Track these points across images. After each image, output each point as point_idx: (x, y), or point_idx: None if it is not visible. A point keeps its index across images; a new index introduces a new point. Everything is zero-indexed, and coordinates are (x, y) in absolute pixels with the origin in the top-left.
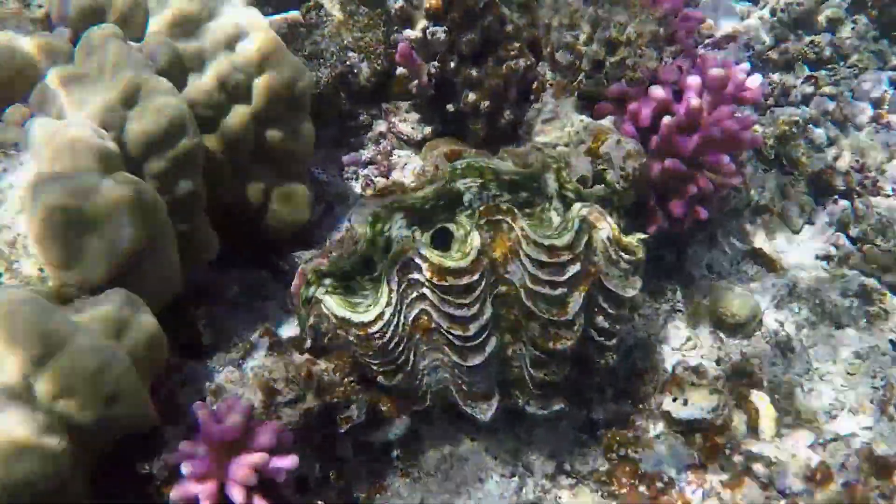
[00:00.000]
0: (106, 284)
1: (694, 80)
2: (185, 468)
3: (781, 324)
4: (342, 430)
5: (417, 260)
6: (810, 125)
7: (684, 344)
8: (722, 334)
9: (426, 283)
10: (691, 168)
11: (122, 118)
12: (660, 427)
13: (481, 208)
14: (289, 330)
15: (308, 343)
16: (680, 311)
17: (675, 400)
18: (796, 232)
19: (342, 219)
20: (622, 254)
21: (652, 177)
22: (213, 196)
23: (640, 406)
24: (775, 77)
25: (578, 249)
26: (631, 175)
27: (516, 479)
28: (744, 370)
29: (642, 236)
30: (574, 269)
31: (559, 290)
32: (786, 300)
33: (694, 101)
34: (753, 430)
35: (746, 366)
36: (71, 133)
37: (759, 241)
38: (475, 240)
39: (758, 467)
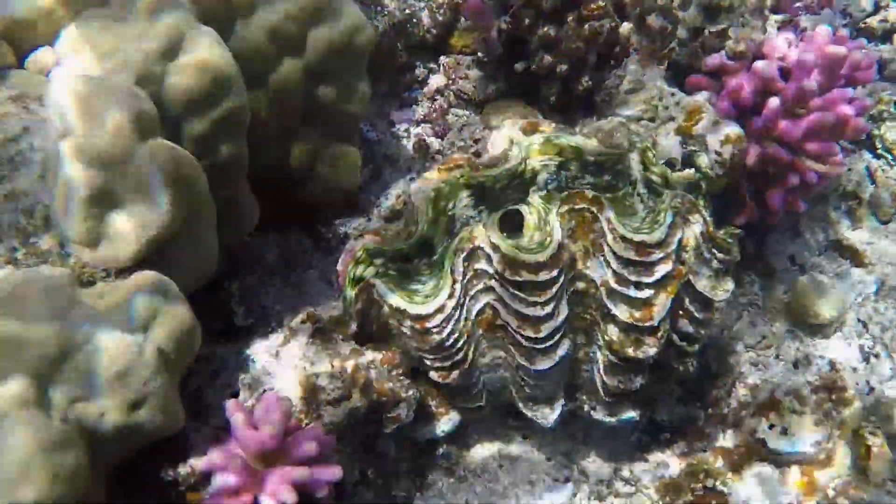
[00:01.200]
0: (135, 266)
1: (807, 58)
2: (217, 482)
3: (865, 325)
4: (388, 430)
5: (487, 249)
6: None
7: (759, 342)
8: (800, 333)
9: (495, 276)
10: (793, 155)
11: (161, 72)
12: (729, 436)
13: (563, 195)
14: (329, 306)
15: (353, 327)
16: (757, 304)
17: (771, 427)
18: (886, 222)
19: (390, 183)
20: (715, 251)
21: (749, 163)
22: (255, 158)
23: (710, 411)
24: (871, 48)
25: (671, 248)
26: (728, 162)
27: (570, 483)
28: (835, 385)
29: (736, 231)
30: (664, 269)
31: (645, 292)
32: (871, 298)
33: (808, 83)
34: (862, 470)
35: (837, 378)
36: (102, 89)
37: (844, 230)
38: (556, 231)
39: None
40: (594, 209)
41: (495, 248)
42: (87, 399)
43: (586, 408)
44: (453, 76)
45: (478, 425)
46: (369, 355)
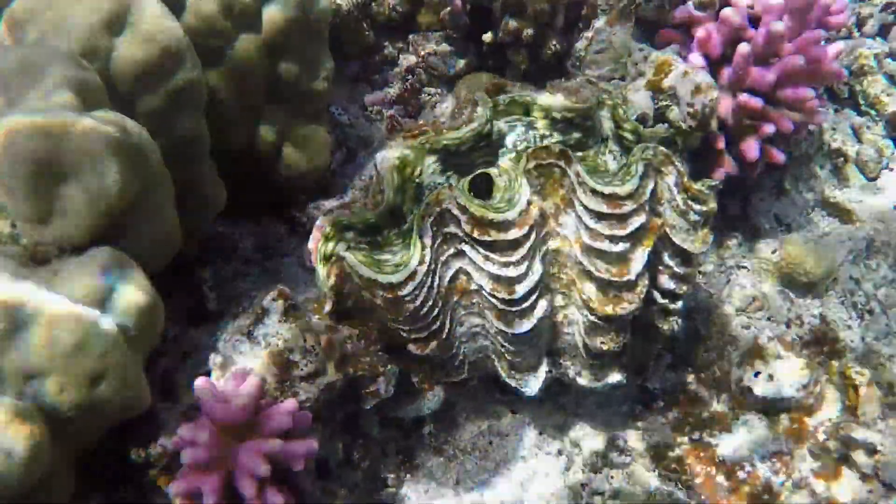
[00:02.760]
0: (89, 243)
1: (775, 2)
2: (186, 456)
3: (857, 282)
4: (368, 407)
5: (455, 211)
6: (889, 59)
7: (749, 304)
8: (792, 294)
9: (465, 238)
10: (767, 105)
11: (107, 47)
12: (724, 400)
13: (530, 151)
14: (307, 291)
15: (328, 306)
16: (745, 267)
17: (757, 374)
18: (873, 179)
19: (366, 165)
20: (691, 203)
21: (721, 115)
22: (221, 141)
23: (702, 375)
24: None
25: (643, 198)
26: (700, 112)
27: (563, 457)
28: (825, 336)
29: (713, 183)
30: (638, 220)
31: (620, 246)
32: (862, 255)
33: (776, 25)
34: (850, 411)
35: (828, 331)
36: (40, 59)
37: (832, 189)
38: (523, 188)
39: (859, 455)
40: (562, 163)
41: (463, 209)
42: (43, 375)
43: (571, 373)
44: (422, 53)
45: (465, 403)
46: (345, 331)
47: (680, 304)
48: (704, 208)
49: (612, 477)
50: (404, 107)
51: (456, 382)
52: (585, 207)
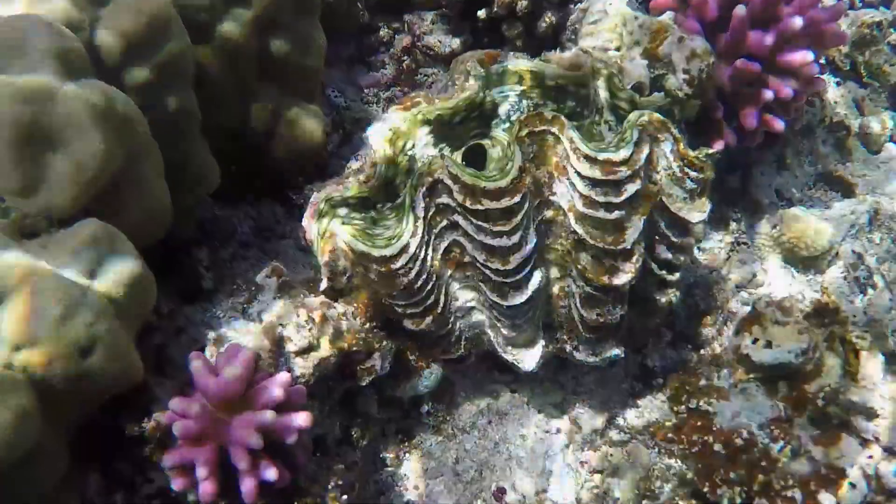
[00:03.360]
0: (78, 214)
1: None
2: (178, 428)
3: (860, 256)
4: (364, 384)
5: (447, 181)
6: (893, 29)
7: (750, 280)
8: (793, 269)
9: (458, 209)
10: (766, 70)
11: (92, 18)
12: (725, 374)
13: (522, 118)
14: (304, 272)
15: (324, 283)
16: (745, 243)
17: (755, 341)
18: (876, 152)
19: (361, 148)
20: (688, 170)
21: (719, 83)
22: (213, 119)
23: (702, 352)
24: None
25: (638, 164)
26: (696, 79)
27: (562, 434)
28: (826, 308)
29: (711, 151)
30: (633, 187)
31: (615, 214)
32: (865, 229)
33: None
34: (850, 376)
35: (829, 302)
36: (22, 29)
37: (834, 163)
38: (516, 154)
39: (859, 421)
40: (555, 130)
41: (455, 178)
42: (30, 345)
43: (568, 348)
44: (418, 33)
45: (464, 382)
46: (339, 307)
47: (678, 275)
48: (701, 175)
49: (611, 455)
50: (401, 88)
51: (454, 360)
52: (579, 174)
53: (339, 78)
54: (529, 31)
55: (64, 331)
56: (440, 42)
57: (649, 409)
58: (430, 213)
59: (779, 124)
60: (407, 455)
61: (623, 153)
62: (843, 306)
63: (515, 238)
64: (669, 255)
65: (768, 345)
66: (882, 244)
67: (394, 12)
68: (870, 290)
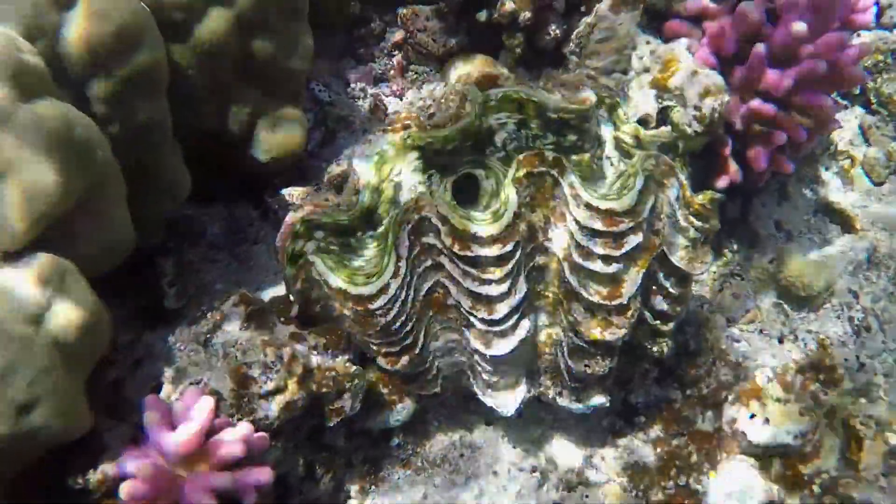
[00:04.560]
0: (27, 249)
1: None
2: (126, 491)
3: (856, 295)
4: (331, 425)
5: (435, 220)
6: None
7: (742, 315)
8: (787, 306)
9: (444, 251)
10: (781, 109)
11: (54, 24)
12: (709, 418)
13: (521, 157)
14: (275, 283)
15: (294, 310)
16: (739, 275)
17: (752, 417)
18: (879, 184)
19: (344, 148)
20: (693, 219)
21: (730, 118)
22: (187, 122)
23: (688, 392)
24: None
25: (642, 216)
26: (707, 117)
27: (537, 473)
28: (821, 362)
29: (716, 196)
30: (635, 240)
31: (613, 267)
32: (863, 267)
33: (798, 26)
34: (851, 465)
35: (824, 356)
36: None
37: (835, 192)
38: (511, 198)
39: None
40: (555, 172)
41: (444, 219)
42: None
43: (551, 394)
44: (412, 29)
45: (438, 411)
46: (311, 340)
47: (672, 325)
48: (706, 226)
49: (586, 496)
50: (390, 86)
51: (428, 395)
52: (578, 223)
53: (325, 70)
54: (531, 41)
55: (2, 389)
56: (434, 40)
57: (629, 449)
58: (415, 253)
59: (789, 167)
60: (373, 488)
61: (627, 202)
62: (836, 354)
63: (504, 287)
64: (665, 306)
65: (766, 422)
66: (878, 282)
67: (387, 4)
68: (863, 332)
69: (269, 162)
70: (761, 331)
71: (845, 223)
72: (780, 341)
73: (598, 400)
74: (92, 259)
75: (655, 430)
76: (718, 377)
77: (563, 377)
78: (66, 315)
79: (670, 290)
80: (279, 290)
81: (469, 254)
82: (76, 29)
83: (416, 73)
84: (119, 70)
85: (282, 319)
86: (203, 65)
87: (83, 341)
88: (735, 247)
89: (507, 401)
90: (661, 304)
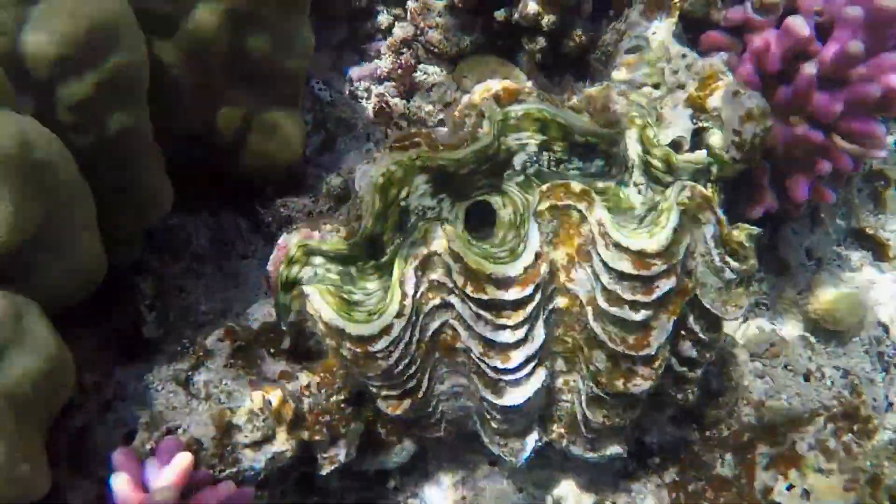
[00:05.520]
0: None
1: (853, 13)
2: None
3: (886, 329)
4: (324, 473)
5: (445, 256)
6: None
7: (766, 350)
8: (813, 338)
9: (455, 290)
10: (827, 135)
11: (16, 20)
12: (728, 462)
13: (545, 188)
14: (266, 304)
15: (286, 343)
16: (765, 304)
17: (790, 488)
18: None
19: (345, 154)
20: (729, 259)
21: (770, 143)
22: (171, 125)
23: (707, 433)
24: None
25: (677, 258)
26: (748, 143)
27: None
28: (856, 411)
29: (754, 231)
30: (667, 284)
31: (642, 314)
32: (894, 297)
33: (854, 46)
34: None
35: (859, 405)
36: None
37: (867, 216)
38: (532, 237)
39: None
40: (582, 207)
41: (455, 256)
42: None
43: (564, 442)
44: (422, 24)
45: (439, 448)
46: (303, 378)
47: (699, 371)
48: (743, 266)
49: None
50: (396, 85)
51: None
52: (605, 264)
53: (325, 65)
54: (554, 46)
55: None
56: (447, 38)
57: (643, 494)
58: (422, 291)
59: (831, 197)
60: None
61: (660, 242)
62: (866, 397)
63: (520, 333)
64: (694, 353)
65: (805, 495)
66: None
67: None
68: (892, 369)
69: (261, 170)
70: (786, 366)
71: (877, 250)
72: (807, 378)
73: (615, 450)
74: (56, 292)
75: (671, 474)
76: (740, 418)
77: (578, 426)
78: (20, 363)
79: (700, 335)
80: (270, 309)
81: (483, 296)
82: (42, 27)
83: (425, 73)
84: (91, 74)
85: (272, 351)
86: (190, 63)
87: (41, 393)
88: (761, 275)
89: (517, 449)
90: (689, 350)
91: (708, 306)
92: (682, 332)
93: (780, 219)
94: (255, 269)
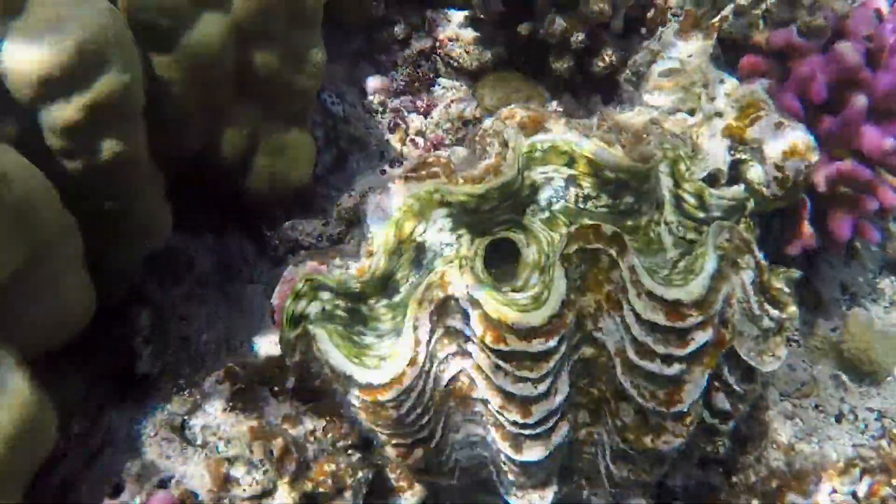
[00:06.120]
0: None
1: None
2: None
3: None
4: None
5: (463, 302)
6: None
7: (797, 390)
8: (846, 377)
9: (473, 338)
10: (874, 171)
11: None
12: None
13: (573, 229)
14: (272, 333)
15: (290, 382)
16: (796, 341)
17: None
18: None
19: (358, 173)
20: (768, 307)
21: (816, 179)
22: (171, 145)
23: (733, 479)
24: None
25: (714, 309)
26: (791, 180)
27: None
28: (892, 465)
29: (795, 275)
30: (703, 337)
31: (675, 368)
32: None
33: None
34: None
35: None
36: None
37: None
38: (558, 285)
39: None
40: (613, 252)
41: (475, 303)
42: None
43: (585, 493)
44: (441, 37)
45: (448, 489)
46: (308, 423)
47: (731, 424)
48: (783, 315)
49: None
50: (413, 100)
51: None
52: (637, 315)
53: (339, 76)
54: (581, 65)
55: None
56: (468, 52)
57: None
58: (437, 336)
59: (875, 236)
60: None
61: (696, 291)
62: None
63: (543, 387)
64: (727, 406)
65: None
66: None
67: (415, 5)
68: None
69: (268, 191)
70: (817, 406)
71: None
72: (838, 420)
73: (638, 502)
74: (37, 337)
75: None
76: (769, 463)
77: (601, 479)
78: None
79: (734, 386)
80: (276, 338)
81: (503, 347)
82: (25, 46)
83: (444, 87)
84: (80, 95)
85: (275, 389)
86: (192, 80)
87: (17, 451)
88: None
89: (535, 500)
90: (721, 402)
91: (744, 357)
92: (716, 384)
93: (815, 250)
94: (261, 294)
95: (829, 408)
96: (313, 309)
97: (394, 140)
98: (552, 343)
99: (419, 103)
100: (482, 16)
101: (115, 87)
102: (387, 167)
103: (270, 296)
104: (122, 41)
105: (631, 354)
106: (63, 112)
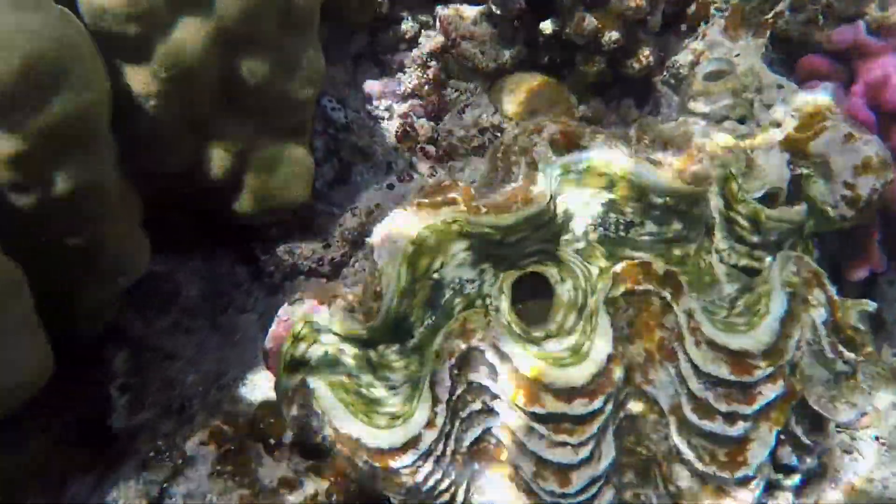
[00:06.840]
0: None
1: None
2: None
3: None
4: None
5: (489, 355)
6: None
7: (857, 420)
8: None
9: (503, 398)
10: None
11: None
12: None
13: (619, 269)
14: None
15: (289, 436)
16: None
17: None
18: None
19: (363, 188)
20: (842, 349)
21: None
22: (149, 164)
23: None
24: None
25: (785, 357)
26: (863, 199)
27: None
28: None
29: (868, 307)
30: (772, 392)
31: (739, 427)
32: None
33: None
34: None
35: None
36: None
37: None
38: (602, 332)
39: None
40: (667, 294)
41: (503, 356)
42: None
43: None
44: (454, 35)
45: None
46: (309, 487)
47: (797, 479)
48: (858, 358)
49: None
50: (423, 104)
51: None
52: (695, 366)
53: (340, 80)
54: (613, 65)
55: None
56: (483, 52)
57: None
58: (458, 393)
59: None
60: None
61: (765, 338)
62: None
63: (584, 452)
64: (794, 460)
65: None
66: None
67: (426, 1)
68: None
69: (261, 212)
70: (877, 438)
71: None
72: None
73: None
74: None
75: None
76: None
77: None
78: None
79: (801, 438)
80: (272, 377)
81: (538, 410)
82: None
83: (457, 90)
84: (32, 120)
85: (271, 443)
86: (171, 93)
87: None
88: None
89: None
90: (787, 456)
91: (814, 405)
92: (781, 436)
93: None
94: (255, 324)
95: (891, 440)
96: (315, 353)
97: (402, 149)
98: (596, 405)
99: (430, 107)
100: (499, 12)
101: (74, 109)
102: (395, 180)
103: (266, 326)
104: (82, 53)
105: (688, 412)
106: (12, 140)
